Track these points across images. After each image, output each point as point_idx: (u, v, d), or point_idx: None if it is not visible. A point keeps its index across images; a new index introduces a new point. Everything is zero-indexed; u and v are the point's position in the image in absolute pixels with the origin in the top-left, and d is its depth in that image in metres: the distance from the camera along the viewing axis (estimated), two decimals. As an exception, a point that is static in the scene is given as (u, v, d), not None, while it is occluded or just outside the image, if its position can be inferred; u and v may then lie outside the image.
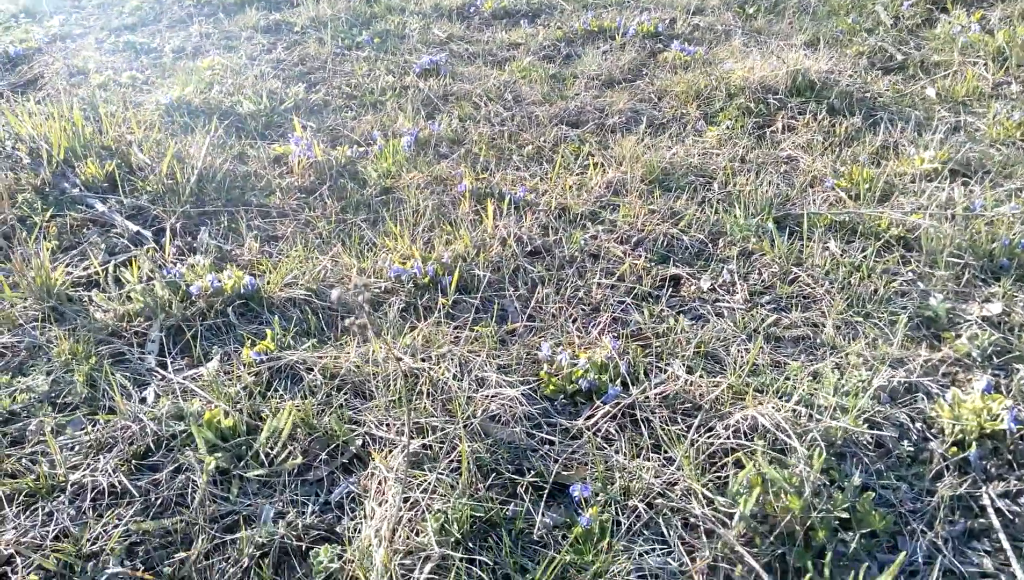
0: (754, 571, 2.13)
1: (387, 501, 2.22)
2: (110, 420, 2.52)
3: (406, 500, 2.25)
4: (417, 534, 2.16)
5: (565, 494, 2.38)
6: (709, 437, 2.50)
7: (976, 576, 2.15)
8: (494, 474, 2.39)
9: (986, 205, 3.67)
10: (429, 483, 2.29)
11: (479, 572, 2.09)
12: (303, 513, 2.27)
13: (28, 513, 2.22)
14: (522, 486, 2.36)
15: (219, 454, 2.40)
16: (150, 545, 2.16)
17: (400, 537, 2.13)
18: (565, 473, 2.42)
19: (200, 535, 2.18)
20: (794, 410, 2.58)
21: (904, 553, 2.02)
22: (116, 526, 2.17)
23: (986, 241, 3.46)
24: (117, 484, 2.31)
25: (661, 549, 2.20)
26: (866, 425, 2.55)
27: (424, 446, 2.45)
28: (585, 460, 2.47)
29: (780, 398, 2.65)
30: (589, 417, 2.63)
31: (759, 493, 2.22)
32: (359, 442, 2.50)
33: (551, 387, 2.76)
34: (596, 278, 3.35)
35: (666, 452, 2.49)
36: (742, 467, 2.38)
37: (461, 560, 2.09)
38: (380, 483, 2.33)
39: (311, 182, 4.02)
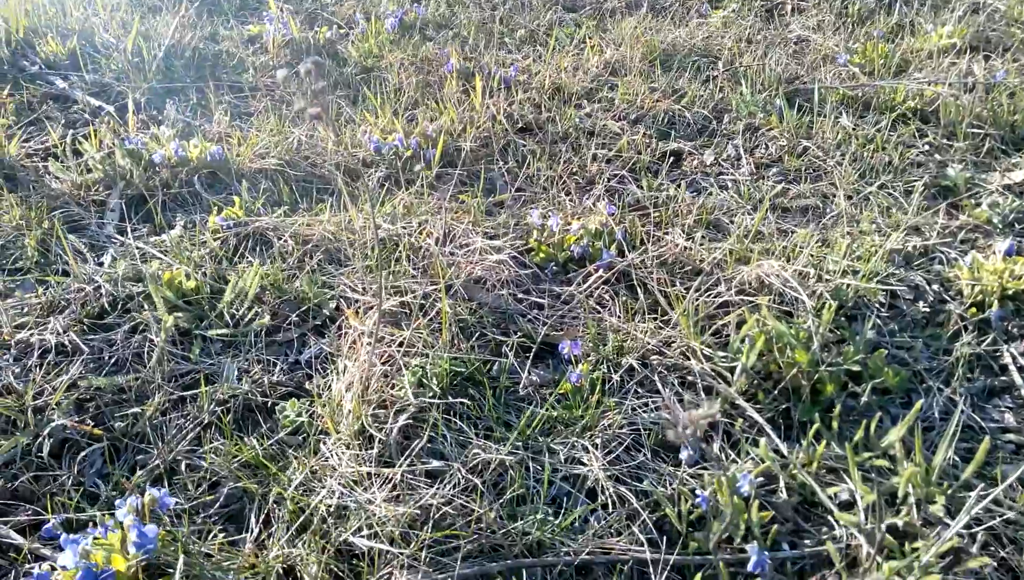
0: (756, 424, 1.96)
1: (360, 358, 2.04)
2: (62, 282, 2.33)
3: (380, 355, 2.07)
4: (392, 388, 1.99)
5: (554, 355, 2.20)
6: (710, 297, 2.32)
7: (997, 431, 1.98)
8: (478, 335, 2.21)
9: (1008, 77, 3.43)
10: (406, 339, 2.12)
11: (459, 423, 1.92)
12: (270, 371, 2.10)
13: (-30, 370, 2.05)
14: (508, 346, 2.18)
15: (179, 314, 2.21)
16: (101, 401, 1.99)
17: (373, 390, 1.96)
18: (555, 334, 2.24)
19: (156, 392, 2.01)
20: (801, 272, 2.39)
21: (920, 402, 1.85)
22: (64, 382, 2.00)
23: (1008, 112, 3.23)
24: (67, 343, 2.13)
25: (656, 404, 2.03)
26: (879, 286, 2.36)
27: (402, 305, 2.27)
28: (576, 323, 2.29)
29: (787, 261, 2.46)
30: (581, 282, 2.44)
31: (763, 347, 2.04)
32: (332, 305, 2.32)
33: (541, 254, 2.56)
34: (591, 152, 3.13)
35: (664, 315, 2.31)
36: (744, 325, 2.19)
37: (438, 408, 1.92)
38: (354, 343, 2.15)
39: (287, 61, 3.76)
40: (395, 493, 1.72)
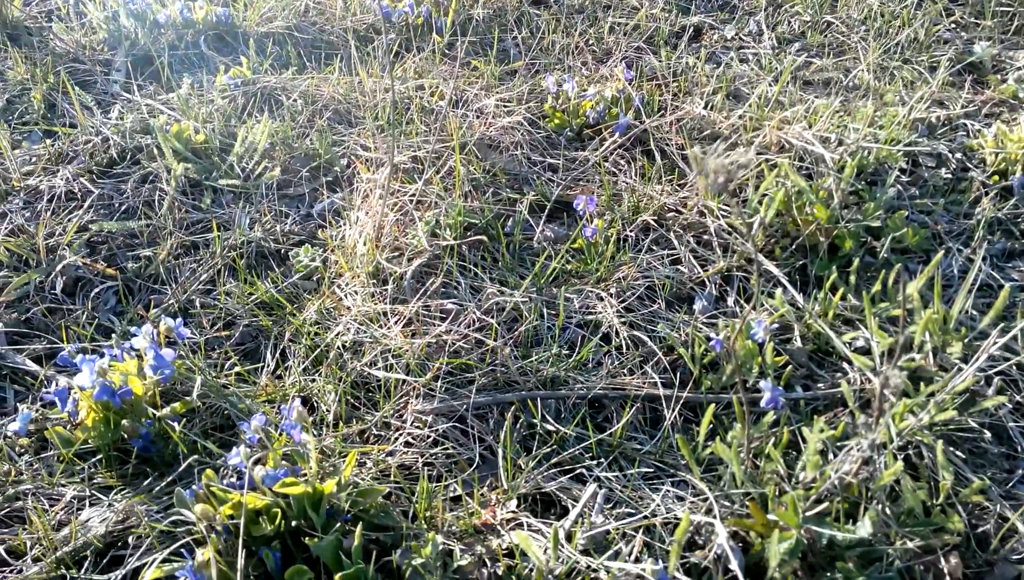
0: (773, 279, 1.95)
1: (373, 208, 2.02)
2: (70, 134, 2.29)
3: (393, 206, 2.04)
4: (405, 236, 1.97)
5: (569, 214, 2.17)
6: (728, 158, 2.27)
7: (1016, 290, 1.97)
8: (491, 193, 2.18)
9: (1044, -45, 3.29)
10: (418, 192, 2.09)
11: (473, 270, 1.91)
12: (282, 221, 2.08)
13: (-21, 213, 2.03)
14: (522, 203, 2.15)
15: (189, 166, 2.18)
16: (113, 243, 1.98)
17: (387, 236, 1.94)
18: (569, 193, 2.21)
19: (168, 238, 1.99)
20: (823, 136, 2.34)
21: (940, 254, 1.82)
22: (75, 224, 1.98)
23: (1041, -9, 3.11)
24: (77, 190, 2.11)
25: (671, 258, 2.01)
26: (901, 149, 2.31)
27: (414, 160, 2.23)
28: (591, 185, 2.25)
29: (808, 126, 2.40)
30: (597, 147, 2.40)
31: (781, 205, 2.01)
32: (344, 162, 2.28)
33: (556, 120, 2.51)
34: (608, 24, 3.03)
35: (680, 178, 2.27)
36: (763, 183, 2.16)
37: (452, 254, 1.91)
38: (366, 196, 2.13)
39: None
40: (410, 329, 1.72)
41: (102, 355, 1.55)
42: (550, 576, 1.24)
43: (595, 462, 1.52)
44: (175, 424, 1.50)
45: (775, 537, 1.30)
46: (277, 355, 1.72)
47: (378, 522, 1.36)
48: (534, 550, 1.23)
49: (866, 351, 1.76)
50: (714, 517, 1.35)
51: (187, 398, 1.58)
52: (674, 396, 1.64)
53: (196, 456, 1.47)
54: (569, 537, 1.33)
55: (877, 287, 1.86)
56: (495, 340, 1.70)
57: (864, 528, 1.34)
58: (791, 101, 2.58)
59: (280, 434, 1.43)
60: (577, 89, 2.53)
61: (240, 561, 1.25)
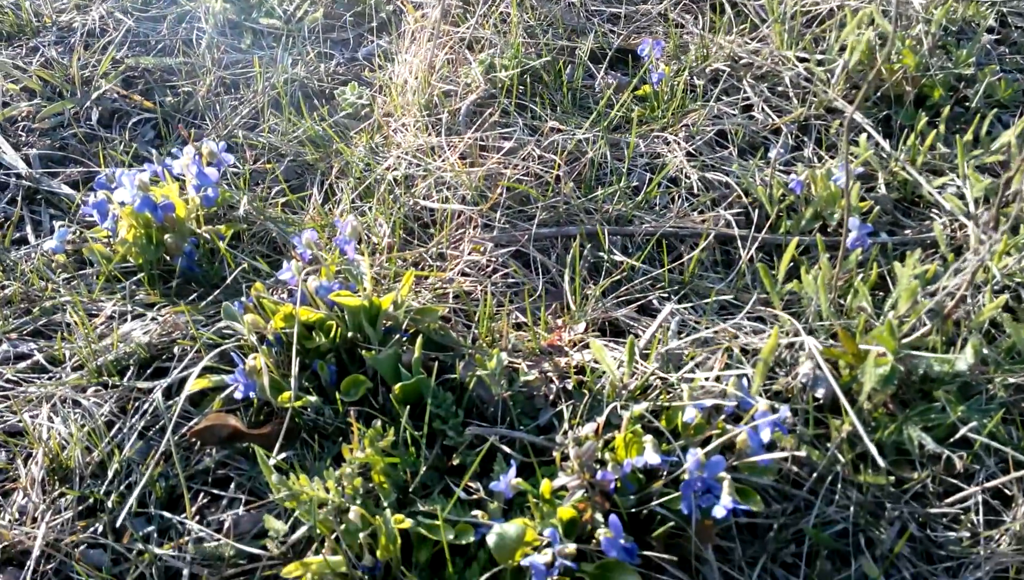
0: (856, 125, 1.80)
1: (423, 47, 1.88)
2: (102, -26, 2.17)
3: (444, 46, 1.91)
4: (458, 76, 1.84)
5: (632, 64, 2.03)
6: (805, 6, 2.10)
7: (1120, 145, 1.81)
8: (548, 37, 2.03)
9: None
10: (471, 33, 1.95)
11: (533, 109, 1.78)
12: (326, 61, 1.96)
13: (9, 48, 1.93)
14: (581, 49, 2.01)
15: (228, 5, 2.05)
16: (150, 78, 1.87)
17: (438, 75, 1.81)
18: (632, 41, 2.06)
19: (207, 75, 1.88)
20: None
21: (1044, 100, 1.67)
22: (110, 55, 1.87)
23: None
24: (111, 26, 1.99)
25: (743, 106, 1.87)
26: (988, 10, 2.12)
27: (465, 1, 2.09)
28: (656, 36, 2.10)
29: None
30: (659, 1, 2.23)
31: (863, 55, 1.85)
32: (389, 8, 2.14)
33: (614, -26, 2.33)
34: None
35: (752, 31, 2.11)
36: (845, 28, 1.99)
37: (511, 92, 1.78)
38: (414, 39, 1.99)
39: None
40: (467, 161, 1.61)
41: (142, 167, 1.45)
42: (624, 391, 1.14)
43: (665, 295, 1.42)
44: (221, 242, 1.42)
45: (870, 361, 1.19)
46: (325, 189, 1.62)
47: (437, 340, 1.27)
48: (608, 362, 1.14)
49: (958, 197, 1.62)
50: (801, 344, 1.24)
51: (233, 218, 1.49)
52: (750, 236, 1.52)
53: (243, 268, 1.38)
54: (644, 357, 1.24)
55: (968, 137, 1.71)
56: (557, 171, 1.58)
57: (965, 359, 1.22)
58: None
59: (333, 250, 1.34)
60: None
61: (294, 370, 1.17)
